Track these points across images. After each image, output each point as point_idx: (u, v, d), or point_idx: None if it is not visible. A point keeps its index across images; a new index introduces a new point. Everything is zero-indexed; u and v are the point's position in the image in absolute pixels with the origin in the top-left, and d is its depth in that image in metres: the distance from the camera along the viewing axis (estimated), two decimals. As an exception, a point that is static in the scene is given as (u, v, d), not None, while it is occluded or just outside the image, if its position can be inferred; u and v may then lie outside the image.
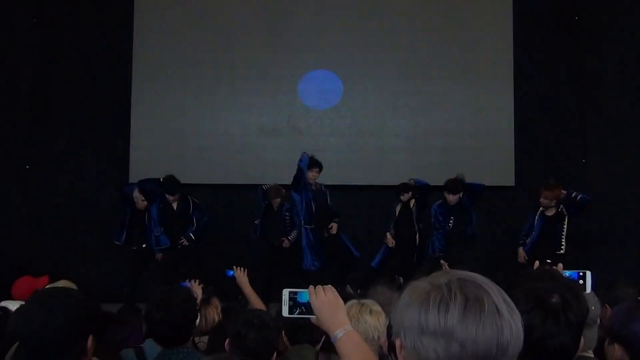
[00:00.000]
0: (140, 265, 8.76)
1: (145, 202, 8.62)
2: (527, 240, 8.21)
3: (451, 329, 1.24)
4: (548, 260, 6.17)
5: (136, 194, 8.66)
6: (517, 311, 1.31)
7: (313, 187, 8.59)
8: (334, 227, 8.69)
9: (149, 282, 8.38)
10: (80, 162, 9.99)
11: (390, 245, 8.68)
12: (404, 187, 8.70)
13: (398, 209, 8.80)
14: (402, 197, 8.71)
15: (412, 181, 8.68)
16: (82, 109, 10.00)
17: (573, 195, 8.12)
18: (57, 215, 9.93)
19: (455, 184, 8.32)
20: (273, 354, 3.10)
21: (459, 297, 1.26)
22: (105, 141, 10.00)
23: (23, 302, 5.08)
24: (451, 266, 6.96)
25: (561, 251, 7.92)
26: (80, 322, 2.26)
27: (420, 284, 1.33)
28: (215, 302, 4.41)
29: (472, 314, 1.24)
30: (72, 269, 8.67)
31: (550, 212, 8.14)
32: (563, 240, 8.04)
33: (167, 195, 8.52)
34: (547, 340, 1.72)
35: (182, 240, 8.50)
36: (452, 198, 8.35)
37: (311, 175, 8.49)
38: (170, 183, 8.42)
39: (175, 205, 8.62)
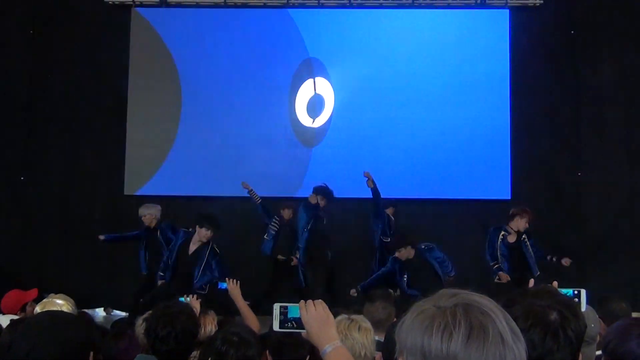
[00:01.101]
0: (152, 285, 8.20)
1: (156, 219, 8.39)
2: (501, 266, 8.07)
3: (453, 356, 1.23)
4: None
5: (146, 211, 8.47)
6: (522, 338, 1.29)
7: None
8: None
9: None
10: (74, 174, 9.97)
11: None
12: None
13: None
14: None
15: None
16: (78, 120, 10.00)
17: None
18: (49, 226, 9.89)
19: None
20: None
21: (463, 325, 1.24)
22: (100, 153, 9.99)
23: (12, 317, 5.04)
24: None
25: (537, 274, 7.84)
26: (77, 351, 2.25)
27: (426, 306, 1.31)
28: (213, 313, 4.40)
29: (475, 343, 1.23)
30: (64, 281, 8.62)
31: (512, 239, 8.08)
32: (534, 266, 7.98)
33: (202, 229, 7.60)
34: (546, 357, 1.71)
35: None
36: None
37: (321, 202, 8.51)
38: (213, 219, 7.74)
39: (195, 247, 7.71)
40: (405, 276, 7.64)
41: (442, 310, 1.28)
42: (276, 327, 2.20)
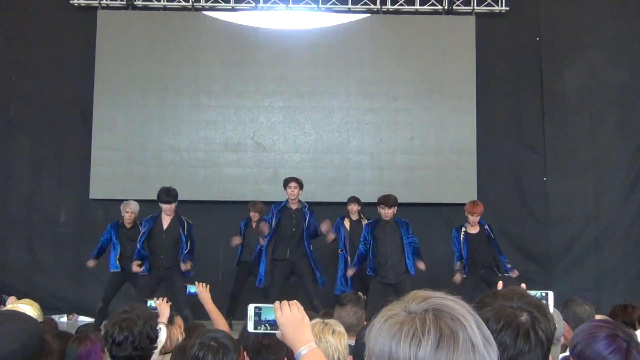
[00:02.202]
0: (118, 286, 8.23)
1: (134, 216, 8.29)
2: (464, 262, 8.11)
3: None
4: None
5: (127, 207, 8.35)
6: (494, 343, 1.28)
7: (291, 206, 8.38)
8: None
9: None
10: (39, 177, 9.82)
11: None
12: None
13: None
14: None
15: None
16: (43, 123, 9.85)
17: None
18: (14, 231, 9.72)
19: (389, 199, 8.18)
20: None
21: (432, 332, 1.22)
22: (65, 156, 9.85)
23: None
24: None
25: (510, 273, 7.81)
26: (30, 349, 2.24)
27: (396, 311, 1.29)
28: (179, 321, 4.35)
29: (444, 350, 1.21)
30: (28, 286, 8.49)
31: (474, 230, 8.11)
32: (506, 261, 7.99)
33: (162, 205, 7.86)
34: (518, 358, 1.72)
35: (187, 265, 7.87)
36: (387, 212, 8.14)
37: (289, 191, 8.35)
38: (167, 192, 7.87)
39: (166, 224, 7.92)
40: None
41: (411, 317, 1.25)
42: (250, 328, 2.18)
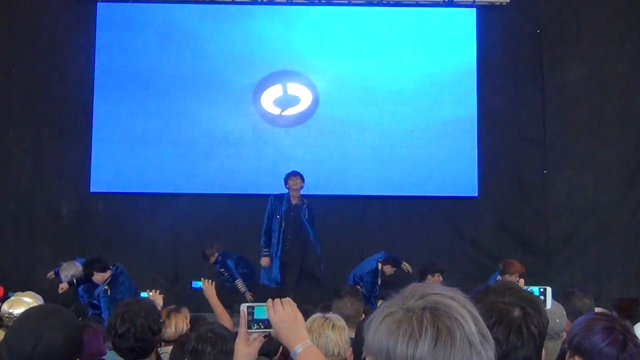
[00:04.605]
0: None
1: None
2: None
3: None
4: None
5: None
6: (492, 340, 1.29)
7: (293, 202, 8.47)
8: None
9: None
10: (39, 170, 9.82)
11: None
12: None
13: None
14: None
15: None
16: (43, 116, 9.85)
17: None
18: (15, 225, 9.73)
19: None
20: None
21: (430, 331, 1.23)
22: (65, 149, 9.84)
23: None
24: None
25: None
26: (73, 342, 2.29)
27: (394, 308, 1.30)
28: (185, 312, 4.40)
29: (442, 349, 1.22)
30: (29, 280, 8.52)
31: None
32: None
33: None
34: (511, 353, 1.74)
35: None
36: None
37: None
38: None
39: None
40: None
41: (409, 316, 1.26)
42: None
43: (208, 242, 8.59)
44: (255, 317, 2.14)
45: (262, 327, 2.14)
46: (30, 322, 2.32)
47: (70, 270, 7.84)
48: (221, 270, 8.43)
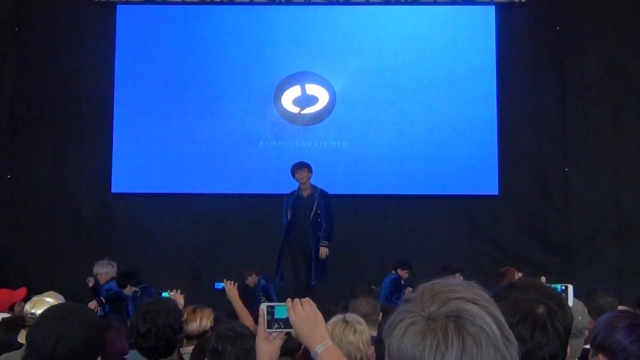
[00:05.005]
0: None
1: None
2: None
3: None
4: None
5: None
6: (515, 341, 1.28)
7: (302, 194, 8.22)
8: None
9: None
10: (61, 172, 9.91)
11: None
12: None
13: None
14: None
15: None
16: (64, 118, 9.94)
17: None
18: (37, 225, 9.82)
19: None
20: None
21: (455, 343, 1.22)
22: (87, 150, 9.93)
23: (2, 315, 5.04)
24: None
25: None
26: (94, 341, 2.29)
27: (414, 317, 1.27)
28: (210, 310, 4.43)
29: (468, 358, 1.21)
30: (52, 280, 8.58)
31: None
32: None
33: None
34: (536, 351, 1.73)
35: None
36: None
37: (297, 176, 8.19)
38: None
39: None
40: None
41: (432, 326, 1.24)
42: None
43: (247, 267, 8.51)
44: (275, 317, 2.14)
45: (282, 326, 2.13)
46: (50, 322, 2.32)
47: (105, 267, 8.15)
48: (260, 294, 8.33)
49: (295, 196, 8.22)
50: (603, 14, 9.94)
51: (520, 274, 7.48)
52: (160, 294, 5.05)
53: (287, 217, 8.24)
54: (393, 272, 8.52)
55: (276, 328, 2.14)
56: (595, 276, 8.92)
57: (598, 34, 9.94)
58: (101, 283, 8.14)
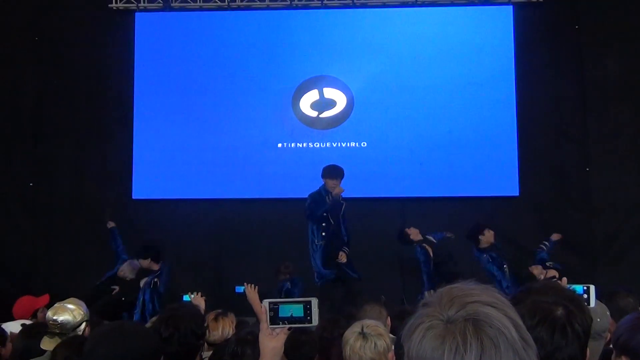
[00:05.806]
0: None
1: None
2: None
3: None
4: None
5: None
6: (533, 343, 1.28)
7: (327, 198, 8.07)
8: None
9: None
10: (82, 179, 10.00)
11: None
12: None
13: None
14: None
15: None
16: (85, 124, 10.05)
17: None
18: (58, 232, 9.92)
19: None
20: None
21: (474, 346, 1.22)
22: (107, 157, 10.02)
23: (24, 322, 5.09)
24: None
25: None
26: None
27: (433, 320, 1.29)
28: (232, 317, 4.44)
29: None
30: (74, 286, 8.65)
31: None
32: None
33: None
34: (555, 353, 1.72)
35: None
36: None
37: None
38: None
39: None
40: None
41: (451, 329, 1.26)
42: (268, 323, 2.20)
43: (286, 262, 8.52)
44: (279, 315, 2.16)
45: (287, 323, 2.16)
46: (107, 337, 2.44)
47: (127, 271, 8.37)
48: (285, 294, 8.26)
49: (328, 202, 8.03)
50: (622, 11, 9.85)
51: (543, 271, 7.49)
52: (183, 295, 5.06)
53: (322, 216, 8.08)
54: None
55: (280, 325, 2.17)
56: (617, 277, 8.83)
57: (618, 32, 9.85)
58: (118, 275, 8.36)
